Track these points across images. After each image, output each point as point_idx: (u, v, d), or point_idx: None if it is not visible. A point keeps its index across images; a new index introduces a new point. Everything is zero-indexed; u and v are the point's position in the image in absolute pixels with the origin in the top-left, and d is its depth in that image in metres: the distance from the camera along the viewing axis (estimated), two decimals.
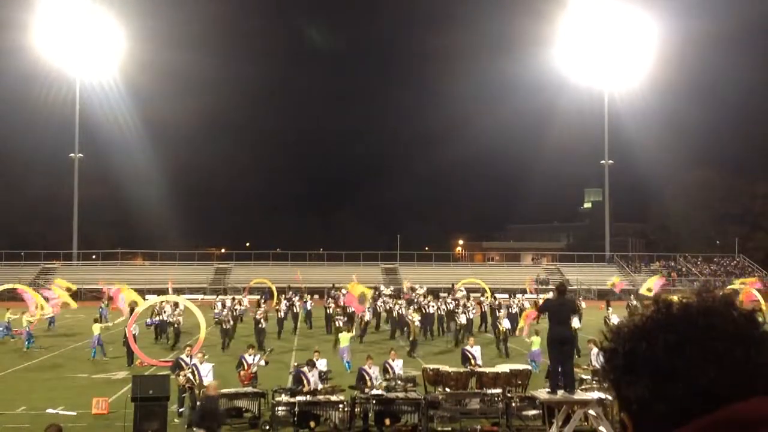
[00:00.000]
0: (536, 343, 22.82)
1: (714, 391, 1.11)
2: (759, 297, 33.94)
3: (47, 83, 70.98)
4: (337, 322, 29.98)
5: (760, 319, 1.19)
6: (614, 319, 27.35)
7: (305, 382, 16.39)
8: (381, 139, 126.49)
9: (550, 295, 29.54)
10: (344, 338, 24.88)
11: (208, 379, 16.62)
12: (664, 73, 73.78)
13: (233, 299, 35.31)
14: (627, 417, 1.19)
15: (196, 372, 16.97)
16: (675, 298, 1.23)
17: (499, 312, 30.94)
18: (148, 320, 30.79)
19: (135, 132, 79.46)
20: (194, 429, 14.21)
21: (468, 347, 20.40)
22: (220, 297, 38.97)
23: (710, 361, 1.12)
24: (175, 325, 29.49)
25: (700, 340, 1.14)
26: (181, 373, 17.36)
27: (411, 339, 28.03)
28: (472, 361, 19.34)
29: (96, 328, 26.63)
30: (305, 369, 16.91)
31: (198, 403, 15.72)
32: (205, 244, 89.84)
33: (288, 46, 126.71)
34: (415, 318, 28.46)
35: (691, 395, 1.11)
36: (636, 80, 73.19)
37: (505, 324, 27.95)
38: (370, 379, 17.01)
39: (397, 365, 18.55)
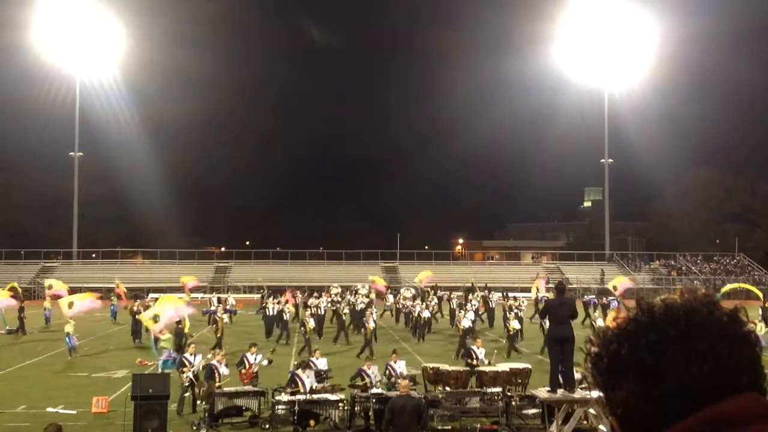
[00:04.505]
0: None
1: (698, 389, 1.11)
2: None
3: (47, 81, 70.98)
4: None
5: (744, 318, 1.19)
6: (599, 323, 27.38)
7: (300, 384, 16.41)
8: (381, 138, 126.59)
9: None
10: (167, 341, 22.34)
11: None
12: (664, 71, 73.73)
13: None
14: (614, 420, 1.18)
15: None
16: (658, 299, 1.22)
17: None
18: (204, 309, 33.35)
19: (135, 130, 79.48)
20: None
21: (474, 347, 20.36)
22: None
23: (693, 360, 1.12)
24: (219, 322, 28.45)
25: (683, 339, 1.13)
26: (184, 370, 17.42)
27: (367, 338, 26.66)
28: (474, 361, 19.28)
29: (70, 327, 25.93)
30: (299, 371, 16.92)
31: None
32: (205, 242, 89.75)
33: (288, 44, 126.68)
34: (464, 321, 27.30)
35: (675, 395, 1.11)
36: (636, 79, 73.11)
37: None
38: (369, 379, 17.00)
39: (399, 366, 18.55)
